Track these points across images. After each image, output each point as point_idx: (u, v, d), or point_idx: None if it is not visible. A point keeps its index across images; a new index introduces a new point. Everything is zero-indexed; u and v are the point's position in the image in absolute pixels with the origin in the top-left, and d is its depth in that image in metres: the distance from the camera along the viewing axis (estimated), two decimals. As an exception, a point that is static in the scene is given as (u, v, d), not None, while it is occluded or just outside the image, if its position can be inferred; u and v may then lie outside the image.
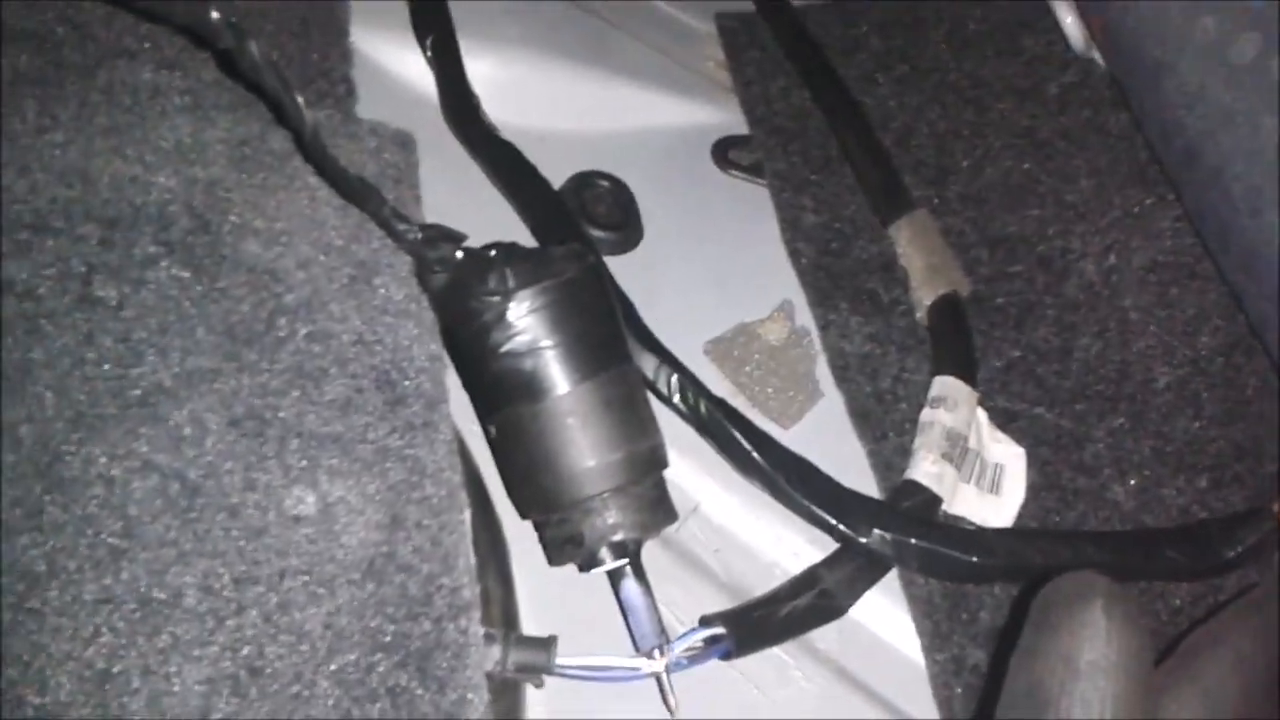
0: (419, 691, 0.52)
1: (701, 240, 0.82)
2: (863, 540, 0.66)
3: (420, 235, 0.61)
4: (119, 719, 0.49)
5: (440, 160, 0.74)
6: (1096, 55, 0.84)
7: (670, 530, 0.70)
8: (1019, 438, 0.74)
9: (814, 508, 0.67)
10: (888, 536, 0.66)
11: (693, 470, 0.71)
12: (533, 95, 0.83)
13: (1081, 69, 0.87)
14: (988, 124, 0.84)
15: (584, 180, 0.81)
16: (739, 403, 0.74)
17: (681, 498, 0.69)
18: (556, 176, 0.79)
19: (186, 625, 0.51)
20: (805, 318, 0.79)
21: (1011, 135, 0.84)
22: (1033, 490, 0.73)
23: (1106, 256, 0.79)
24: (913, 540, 0.66)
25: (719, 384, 0.75)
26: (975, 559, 0.66)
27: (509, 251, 0.61)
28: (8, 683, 0.48)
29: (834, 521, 0.66)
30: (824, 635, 0.69)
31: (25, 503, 0.52)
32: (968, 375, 0.73)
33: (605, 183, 0.82)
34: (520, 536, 0.64)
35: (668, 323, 0.72)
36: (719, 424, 0.69)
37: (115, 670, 0.50)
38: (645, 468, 0.61)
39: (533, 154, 0.77)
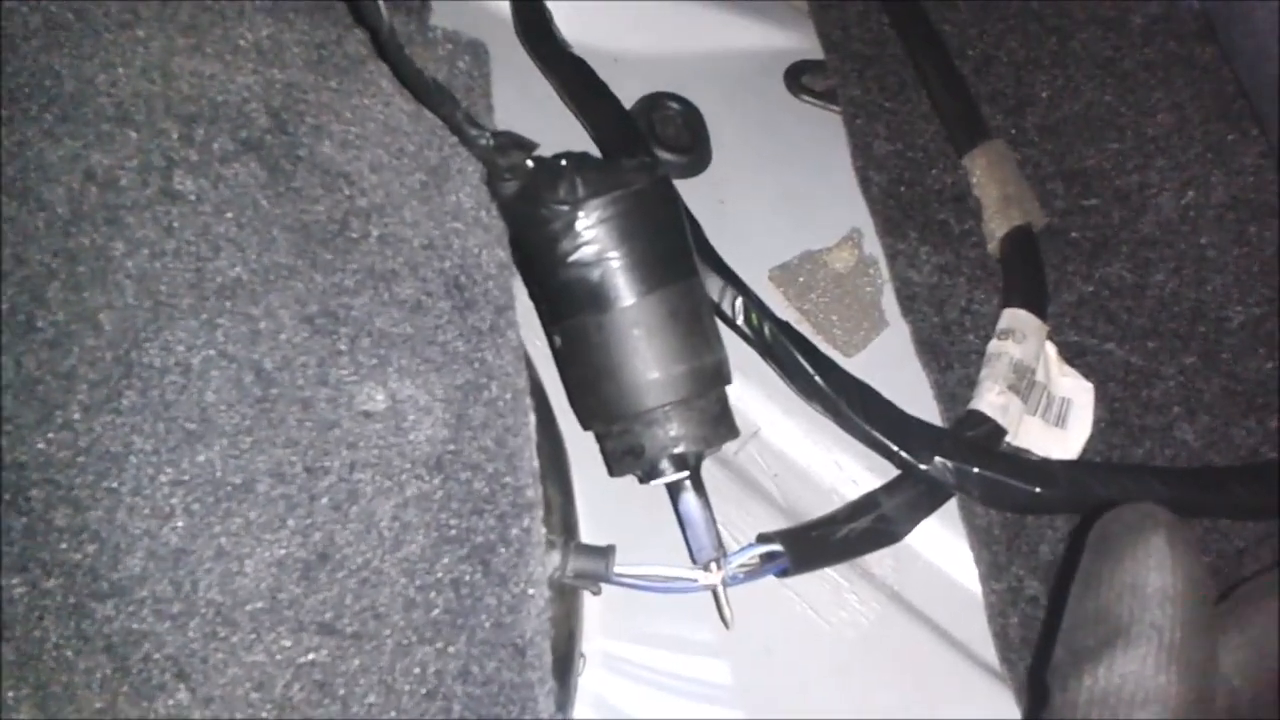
0: (482, 584, 0.55)
1: (771, 166, 0.83)
2: (924, 467, 0.67)
3: (492, 141, 0.62)
4: (191, 595, 0.52)
5: (511, 75, 0.76)
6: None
7: (729, 452, 0.72)
8: (1088, 373, 0.75)
9: (876, 433, 0.68)
10: (950, 464, 0.67)
11: (754, 395, 0.73)
12: (606, 15, 0.84)
13: (1168, 1, 0.87)
14: (1069, 54, 0.85)
15: (654, 102, 0.83)
16: (803, 329, 0.75)
17: (742, 422, 0.70)
18: (627, 98, 0.80)
19: (259, 510, 0.54)
20: (873, 247, 0.80)
21: (1093, 66, 0.84)
22: (1099, 426, 0.73)
23: (1185, 192, 0.79)
24: (975, 469, 0.67)
25: (783, 310, 0.77)
26: (1038, 489, 0.67)
27: (580, 161, 0.63)
28: (86, 557, 0.51)
29: (895, 447, 0.68)
30: (880, 561, 0.70)
31: (104, 386, 0.54)
32: (1038, 308, 0.74)
33: (675, 105, 0.83)
34: (579, 450, 0.66)
35: (733, 247, 0.73)
36: (783, 347, 0.70)
37: (189, 549, 0.53)
38: (709, 382, 0.63)
39: (604, 74, 0.79)
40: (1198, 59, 0.83)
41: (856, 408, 0.69)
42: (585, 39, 0.81)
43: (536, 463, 0.59)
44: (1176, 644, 0.46)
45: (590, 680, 0.63)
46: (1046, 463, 0.70)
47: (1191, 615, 0.47)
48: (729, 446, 0.71)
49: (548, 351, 0.66)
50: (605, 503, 0.67)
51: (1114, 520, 0.51)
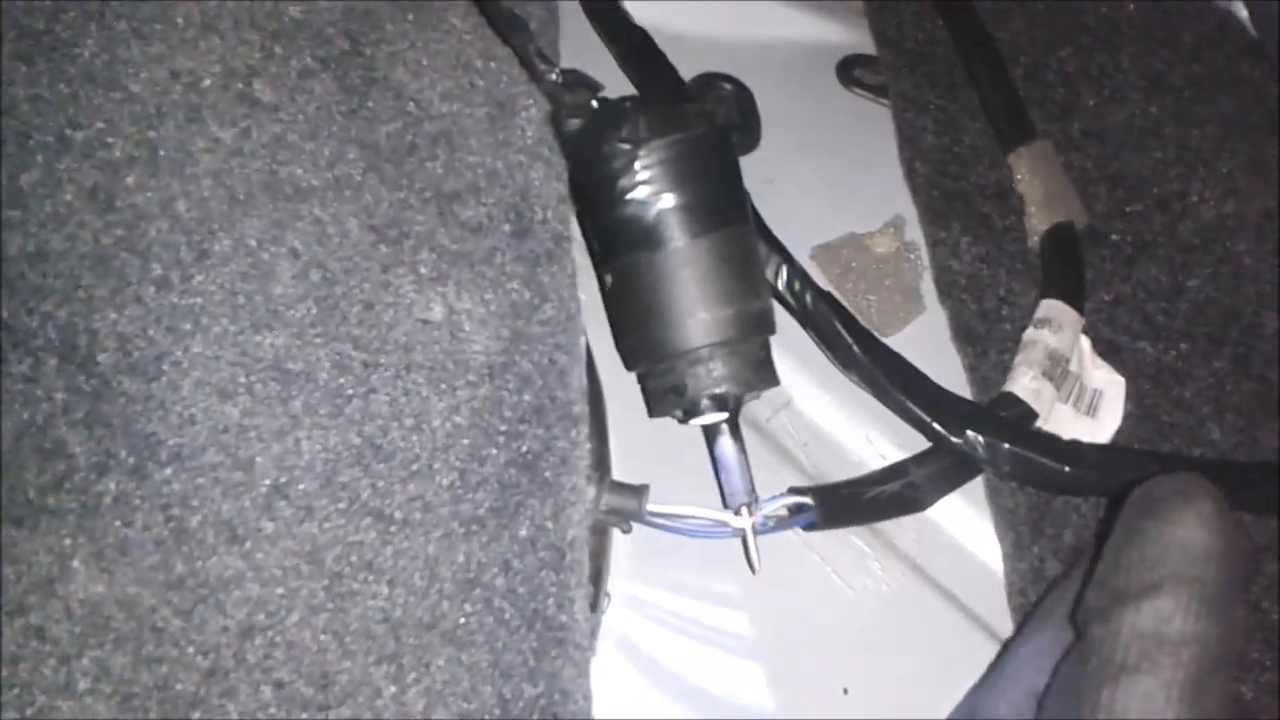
0: (527, 487, 0.60)
1: (818, 152, 0.90)
2: (955, 440, 0.73)
3: (560, 78, 0.69)
4: (249, 469, 0.57)
5: (574, 38, 0.82)
6: (1236, 6, 0.92)
7: (761, 419, 0.77)
8: (1120, 369, 0.81)
9: (910, 404, 0.73)
10: (981, 439, 0.72)
11: (788, 366, 0.78)
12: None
13: (1218, 18, 0.94)
14: (1118, 66, 0.92)
15: (709, 81, 0.89)
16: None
17: (775, 391, 0.76)
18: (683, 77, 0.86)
19: (318, 397, 0.60)
20: (914, 235, 0.86)
21: (1141, 78, 0.91)
22: (1129, 420, 0.79)
23: (1225, 202, 0.86)
24: (1006, 445, 0.72)
25: (823, 287, 0.83)
26: (1067, 469, 0.72)
27: (643, 103, 0.69)
28: (150, 423, 0.57)
29: (929, 420, 0.73)
30: (904, 534, 0.76)
31: (177, 268, 0.61)
32: (1075, 302, 0.80)
33: (729, 85, 0.90)
34: (614, 402, 0.72)
35: (777, 225, 0.79)
36: (823, 315, 0.76)
37: (249, 426, 0.58)
38: (754, 327, 0.68)
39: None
40: (1245, 75, 0.91)
41: (893, 379, 0.74)
42: (645, 16, 0.88)
43: (585, 381, 0.64)
44: (1219, 598, 0.52)
45: (614, 618, 0.68)
46: (1077, 444, 0.75)
47: (1232, 575, 0.52)
48: (761, 413, 0.77)
49: (589, 304, 0.72)
50: (637, 452, 0.72)
51: (1161, 484, 0.57)
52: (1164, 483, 0.57)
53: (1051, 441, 0.74)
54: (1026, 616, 0.70)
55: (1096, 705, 0.50)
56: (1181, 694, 0.49)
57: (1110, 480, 0.72)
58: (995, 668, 0.67)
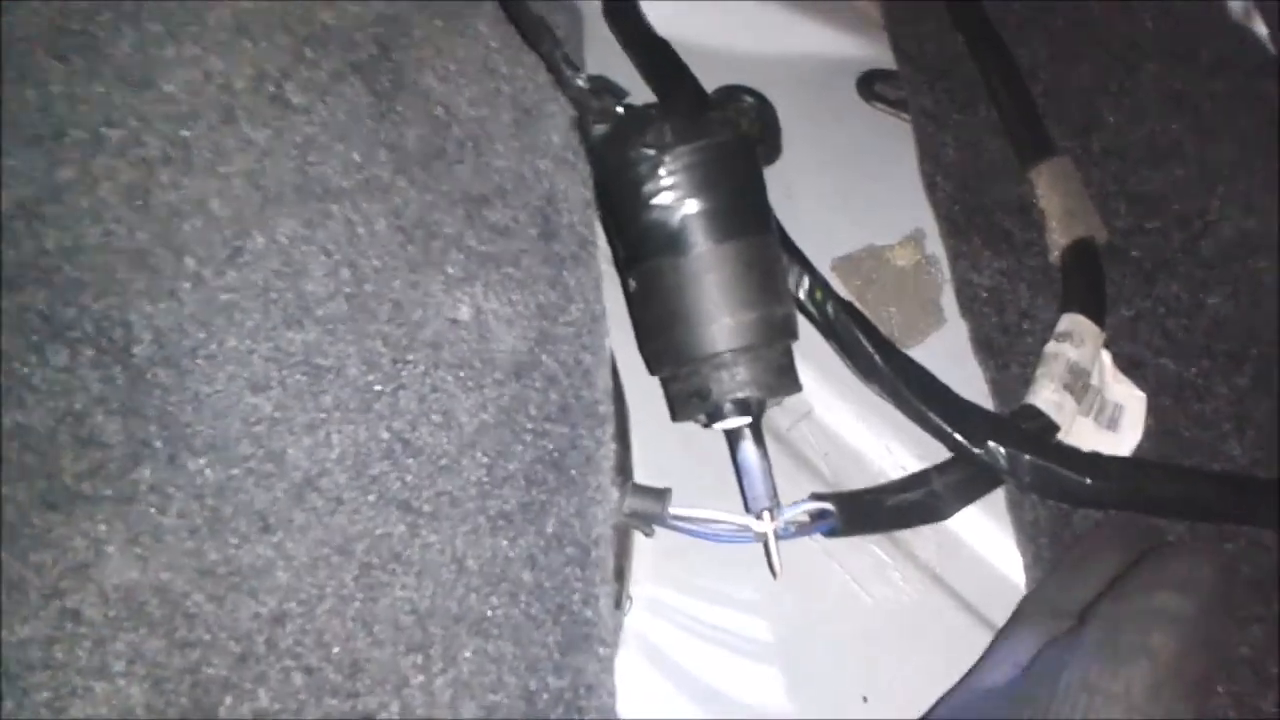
0: (553, 484, 0.63)
1: (838, 166, 0.92)
2: (977, 451, 0.75)
3: (586, 84, 0.72)
4: (281, 460, 0.59)
5: (599, 45, 0.85)
6: (1256, 23, 0.95)
7: (782, 429, 0.79)
8: (1141, 385, 0.83)
9: (932, 415, 0.76)
10: (1002, 450, 0.75)
11: (810, 376, 0.80)
12: (691, 9, 0.94)
13: (1238, 35, 0.97)
14: (1137, 83, 0.95)
15: (730, 93, 0.92)
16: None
17: (796, 401, 0.78)
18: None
19: (348, 393, 0.62)
20: (935, 248, 0.89)
21: (1160, 96, 0.94)
22: (1149, 436, 0.81)
23: (1246, 219, 0.88)
24: (1027, 456, 0.74)
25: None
26: (1089, 480, 0.74)
27: (668, 109, 0.72)
28: (184, 414, 0.59)
29: (950, 430, 0.75)
30: (924, 545, 0.78)
31: (211, 264, 0.63)
32: (1096, 316, 0.83)
33: (750, 98, 0.93)
34: (635, 410, 0.75)
35: (797, 237, 0.81)
36: (844, 325, 0.78)
37: (281, 419, 0.61)
38: (777, 333, 0.71)
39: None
40: (1264, 93, 0.93)
41: (915, 389, 0.76)
42: (668, 30, 0.90)
43: (610, 382, 0.67)
44: (1216, 601, 0.58)
45: (635, 621, 0.70)
46: (1098, 456, 0.77)
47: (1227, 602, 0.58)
48: (781, 423, 0.79)
49: (613, 311, 0.74)
50: (659, 457, 0.75)
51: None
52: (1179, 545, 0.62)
53: (1073, 454, 0.76)
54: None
55: (1100, 648, 0.55)
56: (1170, 661, 0.53)
57: (1132, 492, 0.75)
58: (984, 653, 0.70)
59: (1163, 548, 0.64)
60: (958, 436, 0.75)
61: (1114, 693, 0.53)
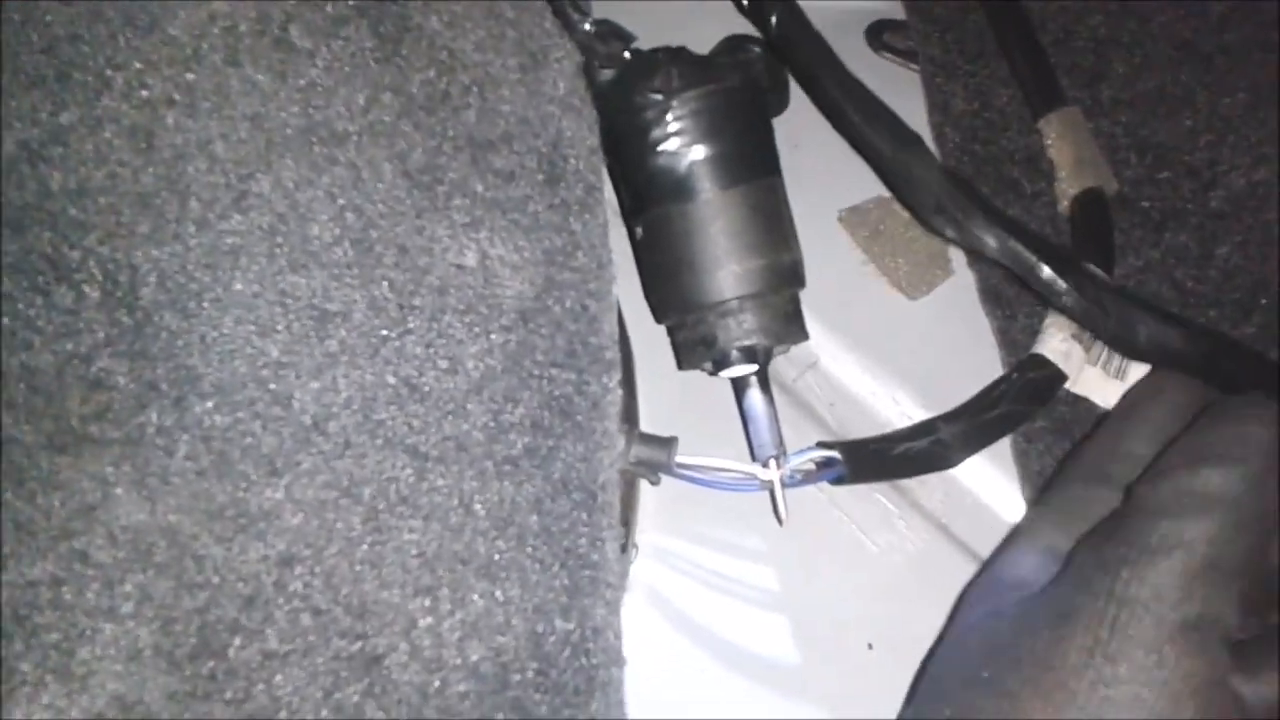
0: (560, 429, 0.63)
1: (846, 116, 0.92)
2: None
3: (593, 29, 0.71)
4: (288, 403, 0.60)
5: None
6: (1269, -28, 0.94)
7: (788, 379, 0.80)
8: (1149, 335, 0.83)
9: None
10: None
11: (816, 327, 0.80)
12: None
13: (1249, -13, 0.97)
14: (1148, 34, 0.94)
15: (738, 43, 0.91)
16: (868, 271, 0.84)
17: (802, 351, 0.78)
18: (710, 39, 0.88)
19: (354, 337, 0.62)
20: (943, 200, 0.88)
21: (1171, 46, 0.93)
22: (1157, 385, 0.81)
23: (1256, 170, 0.88)
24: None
25: (850, 251, 0.85)
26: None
27: (676, 54, 0.71)
28: (191, 357, 0.59)
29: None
30: (930, 494, 0.78)
31: (216, 207, 0.63)
32: (1105, 267, 0.82)
33: (758, 49, 0.92)
34: (641, 359, 0.75)
35: (804, 187, 0.81)
36: None
37: (287, 363, 0.61)
38: (785, 280, 0.71)
39: (688, 17, 0.87)
40: (1275, 43, 0.93)
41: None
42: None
43: (617, 328, 0.67)
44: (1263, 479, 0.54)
45: (641, 569, 0.71)
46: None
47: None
48: (788, 373, 0.79)
49: (618, 260, 0.74)
50: (665, 406, 0.75)
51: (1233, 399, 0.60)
52: (1235, 400, 0.60)
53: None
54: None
55: (1131, 545, 0.53)
56: (1206, 552, 0.51)
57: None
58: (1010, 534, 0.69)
59: (1216, 405, 0.61)
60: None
61: (1143, 599, 0.51)
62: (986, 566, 0.68)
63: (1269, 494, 0.54)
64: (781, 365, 0.79)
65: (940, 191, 0.72)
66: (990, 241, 0.71)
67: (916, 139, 0.74)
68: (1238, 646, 0.52)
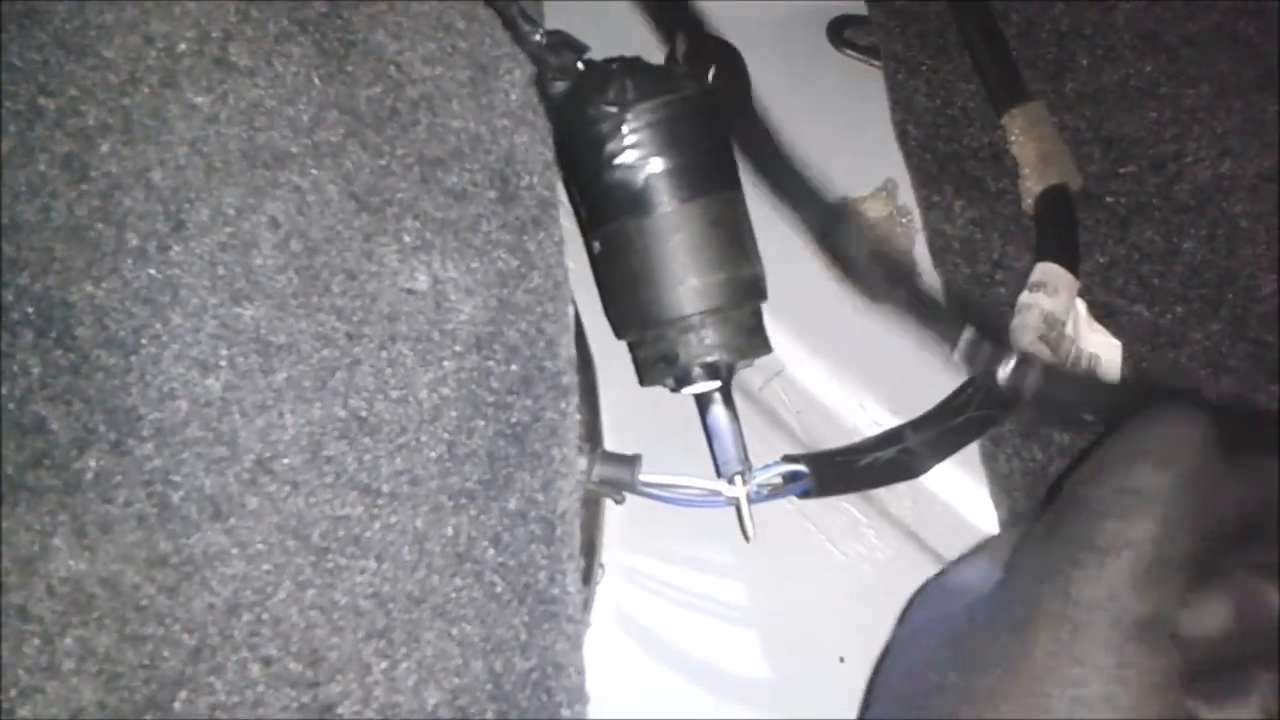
0: (516, 459, 0.60)
1: (809, 116, 0.88)
2: None
3: (544, 40, 0.68)
4: (232, 443, 0.57)
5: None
6: (1232, -40, 0.91)
7: (754, 388, 0.77)
8: (1116, 333, 0.80)
9: None
10: None
11: (781, 334, 0.78)
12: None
13: (1213, -23, 0.94)
14: (1111, 25, 0.91)
15: (699, 40, 0.88)
16: (832, 276, 0.81)
17: (768, 359, 0.76)
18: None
19: (301, 370, 0.59)
20: (907, 200, 0.86)
21: (1135, 37, 0.91)
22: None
23: (1221, 162, 0.85)
24: None
25: (814, 257, 0.82)
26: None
27: (630, 65, 0.69)
28: (130, 398, 0.56)
29: None
30: (898, 501, 0.76)
31: (154, 239, 0.60)
32: (1070, 264, 0.80)
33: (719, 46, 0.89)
34: (604, 373, 0.72)
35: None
36: None
37: (231, 400, 0.58)
38: (745, 294, 0.68)
39: (643, 26, 0.83)
40: (1240, 33, 0.90)
41: None
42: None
43: (574, 351, 0.64)
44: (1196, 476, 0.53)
45: (608, 589, 0.69)
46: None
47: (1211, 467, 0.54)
48: (753, 381, 0.77)
49: (579, 272, 0.71)
50: (628, 422, 0.73)
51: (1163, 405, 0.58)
52: (1165, 404, 0.58)
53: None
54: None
55: (1079, 545, 0.52)
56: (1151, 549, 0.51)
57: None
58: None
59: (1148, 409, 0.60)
60: None
61: (1099, 600, 0.50)
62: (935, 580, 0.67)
63: (1200, 492, 0.53)
64: (747, 373, 0.77)
65: None
66: None
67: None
68: (1200, 676, 0.51)
